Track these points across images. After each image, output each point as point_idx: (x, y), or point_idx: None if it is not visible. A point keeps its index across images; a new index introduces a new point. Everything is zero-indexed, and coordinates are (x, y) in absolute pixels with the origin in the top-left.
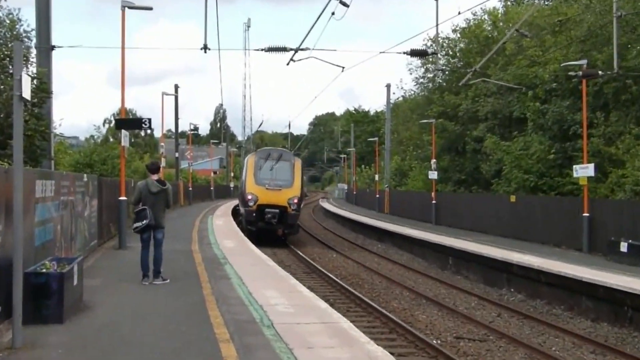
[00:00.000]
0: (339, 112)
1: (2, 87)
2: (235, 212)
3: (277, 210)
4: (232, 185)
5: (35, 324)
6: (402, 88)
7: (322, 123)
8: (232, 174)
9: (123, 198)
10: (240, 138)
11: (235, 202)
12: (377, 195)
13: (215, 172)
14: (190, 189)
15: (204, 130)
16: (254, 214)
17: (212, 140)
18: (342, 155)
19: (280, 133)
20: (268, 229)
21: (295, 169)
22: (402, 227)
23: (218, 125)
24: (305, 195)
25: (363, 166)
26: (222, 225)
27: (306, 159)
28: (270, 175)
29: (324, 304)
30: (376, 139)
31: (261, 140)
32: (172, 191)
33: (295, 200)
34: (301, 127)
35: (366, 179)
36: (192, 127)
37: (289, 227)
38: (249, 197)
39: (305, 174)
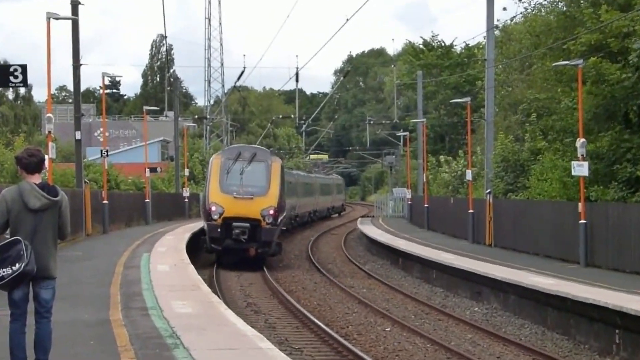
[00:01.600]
0: (394, 47)
1: None
2: (197, 243)
3: (248, 225)
4: (185, 192)
5: None
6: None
7: (360, 69)
8: (186, 172)
9: None
10: (202, 102)
11: (195, 224)
12: (471, 211)
13: (154, 170)
14: (106, 201)
15: (132, 87)
16: (219, 230)
17: (146, 107)
18: (401, 133)
19: (280, 91)
20: (237, 248)
21: (273, 171)
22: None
23: (157, 78)
24: (342, 210)
25: (442, 155)
26: (169, 271)
27: (333, 143)
28: (240, 180)
29: None
30: (467, 100)
31: (242, 108)
32: (68, 207)
33: (271, 212)
34: (320, 80)
35: (447, 180)
36: (108, 81)
37: (263, 246)
38: (213, 208)
39: (332, 170)
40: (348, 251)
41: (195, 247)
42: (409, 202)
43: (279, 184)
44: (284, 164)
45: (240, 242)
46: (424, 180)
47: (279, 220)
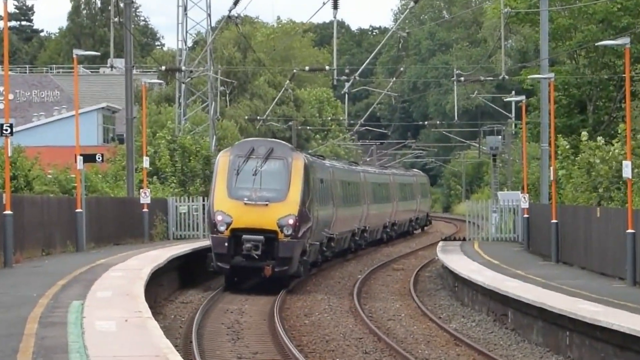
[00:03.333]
0: None
1: None
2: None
3: (262, 237)
4: (145, 197)
5: None
6: None
7: None
8: (145, 162)
9: None
10: (173, 44)
11: (163, 252)
12: (631, 231)
13: (91, 158)
14: (9, 212)
15: (54, 20)
16: (227, 244)
17: (78, 52)
18: (512, 98)
19: (307, 26)
20: (249, 266)
21: (294, 171)
22: None
23: (97, 1)
24: (428, 222)
25: (582, 134)
26: (116, 332)
27: (396, 115)
28: (253, 183)
29: None
30: (625, 43)
31: (242, 53)
32: None
33: (291, 221)
34: (373, 8)
35: (593, 177)
36: (14, 6)
37: (281, 264)
38: (219, 217)
39: (396, 161)
40: (422, 298)
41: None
42: (525, 216)
43: (302, 187)
44: (314, 162)
45: (253, 259)
46: (552, 177)
47: (302, 231)
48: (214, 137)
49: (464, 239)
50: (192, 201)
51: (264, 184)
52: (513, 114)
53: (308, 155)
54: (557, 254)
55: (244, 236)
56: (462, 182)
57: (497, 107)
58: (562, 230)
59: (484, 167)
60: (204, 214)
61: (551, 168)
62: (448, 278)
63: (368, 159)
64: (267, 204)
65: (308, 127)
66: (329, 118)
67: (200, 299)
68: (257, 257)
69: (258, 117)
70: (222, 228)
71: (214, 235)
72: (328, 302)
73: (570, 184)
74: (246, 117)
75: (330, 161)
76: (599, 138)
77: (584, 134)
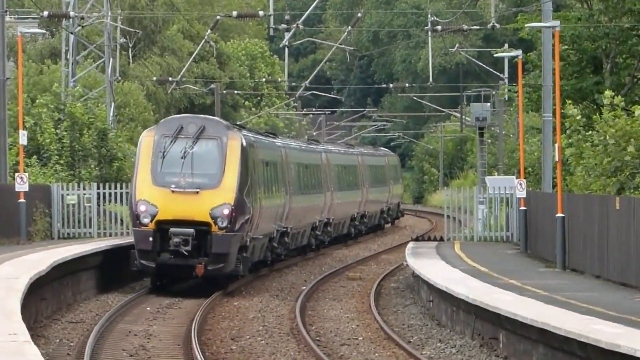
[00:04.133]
0: None
1: None
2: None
3: (192, 231)
4: (21, 184)
5: None
6: None
7: None
8: (21, 137)
9: None
10: None
11: (44, 254)
12: None
13: None
14: None
15: None
16: (151, 239)
17: None
18: (504, 54)
19: None
20: (177, 265)
21: (230, 152)
22: None
23: None
24: (399, 214)
25: (597, 98)
26: None
27: (352, 76)
28: (182, 167)
29: None
30: None
31: None
32: None
33: (226, 211)
34: None
35: (610, 158)
36: None
37: (215, 261)
38: (142, 208)
39: (353, 136)
40: (385, 317)
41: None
42: (522, 208)
43: (239, 171)
44: (257, 141)
45: (182, 256)
46: (557, 157)
47: (240, 223)
48: (113, 104)
49: (441, 239)
50: (84, 189)
51: (194, 168)
52: (506, 75)
53: (250, 134)
54: (563, 258)
55: (172, 229)
56: (438, 164)
57: (484, 66)
58: (571, 227)
59: (468, 145)
60: (99, 205)
61: (556, 145)
62: (420, 290)
63: (315, 133)
64: (197, 192)
65: (236, 92)
66: (264, 80)
67: (95, 317)
68: (187, 253)
69: (170, 79)
70: (145, 220)
71: (137, 229)
72: (263, 321)
73: (581, 166)
74: (155, 79)
75: (283, 140)
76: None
77: (607, 93)
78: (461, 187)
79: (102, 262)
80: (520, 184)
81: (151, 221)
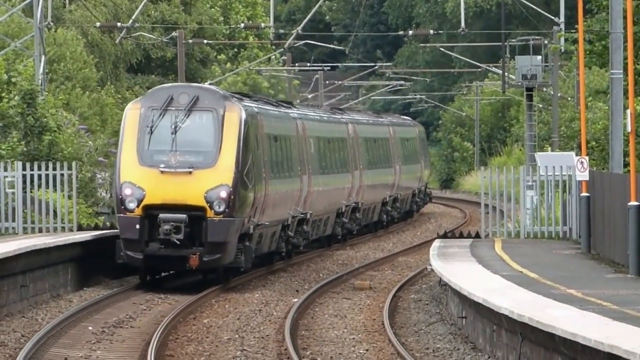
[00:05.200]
0: None
1: None
2: None
3: (184, 216)
4: None
5: None
6: None
7: None
8: None
9: None
10: None
11: None
12: None
13: None
14: None
15: None
16: (138, 227)
17: None
18: None
19: None
20: (168, 255)
21: (227, 126)
22: None
23: None
24: (428, 199)
25: None
26: None
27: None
28: (172, 144)
29: None
30: None
31: None
32: None
33: (224, 194)
34: None
35: None
36: None
37: (212, 251)
38: (127, 191)
39: (361, 101)
40: (404, 338)
41: None
42: (584, 194)
43: (239, 148)
44: (262, 112)
45: (173, 246)
46: (629, 128)
47: (240, 207)
48: (43, 58)
49: (477, 236)
50: (5, 170)
51: (186, 145)
52: (562, 18)
53: (254, 104)
54: (639, 260)
55: (161, 215)
56: (473, 137)
57: (533, 6)
58: None
59: (512, 111)
60: (25, 191)
61: (628, 112)
62: (449, 303)
63: (309, 96)
64: (190, 172)
65: (206, 42)
66: (242, 25)
67: (20, 340)
68: (178, 242)
69: (119, 24)
70: (131, 205)
71: (122, 215)
72: (241, 344)
73: None
74: (99, 24)
75: (300, 109)
76: None
77: None
78: (503, 166)
79: (31, 267)
80: (582, 163)
81: (138, 206)
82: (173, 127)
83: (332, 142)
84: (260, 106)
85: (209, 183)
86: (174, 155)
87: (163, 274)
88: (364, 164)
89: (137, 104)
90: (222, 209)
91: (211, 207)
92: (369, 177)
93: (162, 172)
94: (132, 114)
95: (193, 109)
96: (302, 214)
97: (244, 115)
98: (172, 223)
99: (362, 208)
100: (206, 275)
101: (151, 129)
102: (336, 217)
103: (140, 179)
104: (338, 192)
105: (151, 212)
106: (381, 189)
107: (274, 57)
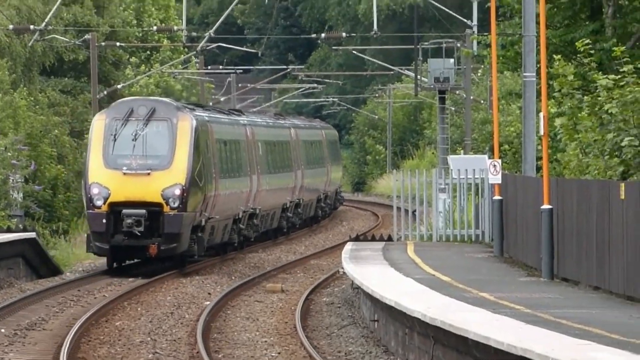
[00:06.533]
0: None
1: None
2: None
3: (144, 212)
4: None
5: None
6: None
7: None
8: None
9: None
10: None
11: None
12: None
13: None
14: None
15: None
16: (105, 221)
17: None
18: None
19: None
20: (130, 245)
21: (180, 133)
22: None
23: None
24: (339, 201)
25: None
26: None
27: (270, 24)
28: (133, 149)
29: None
30: None
31: None
32: None
33: (177, 192)
34: None
35: (617, 133)
36: None
37: (168, 241)
38: (95, 191)
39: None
40: (316, 341)
41: None
42: (497, 198)
43: (190, 152)
44: (212, 120)
45: (135, 237)
46: (542, 131)
47: (192, 203)
48: None
49: (389, 239)
50: None
51: (145, 150)
52: (475, 22)
53: (204, 113)
54: (551, 264)
55: (124, 211)
56: (385, 140)
57: (446, 9)
58: (561, 222)
59: (425, 114)
60: None
61: (541, 115)
62: (361, 306)
63: (222, 99)
64: (149, 173)
65: (119, 44)
66: (155, 28)
67: None
68: (139, 234)
69: (32, 27)
70: (98, 203)
71: (90, 212)
72: (153, 347)
73: (575, 142)
74: (11, 27)
75: (249, 116)
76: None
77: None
78: (416, 169)
79: None
80: (494, 166)
81: (104, 203)
82: (134, 135)
83: (277, 145)
84: (211, 115)
85: (165, 182)
86: (135, 159)
87: (127, 262)
88: (261, 168)
89: (102, 115)
90: (176, 204)
91: (167, 203)
92: (267, 181)
93: (124, 173)
94: (98, 124)
95: (151, 119)
96: (252, 209)
97: (194, 123)
98: (134, 217)
99: (302, 204)
100: (164, 262)
101: (115, 137)
102: (282, 212)
103: (106, 180)
104: (283, 190)
105: (116, 208)
106: (281, 193)
107: (187, 60)
